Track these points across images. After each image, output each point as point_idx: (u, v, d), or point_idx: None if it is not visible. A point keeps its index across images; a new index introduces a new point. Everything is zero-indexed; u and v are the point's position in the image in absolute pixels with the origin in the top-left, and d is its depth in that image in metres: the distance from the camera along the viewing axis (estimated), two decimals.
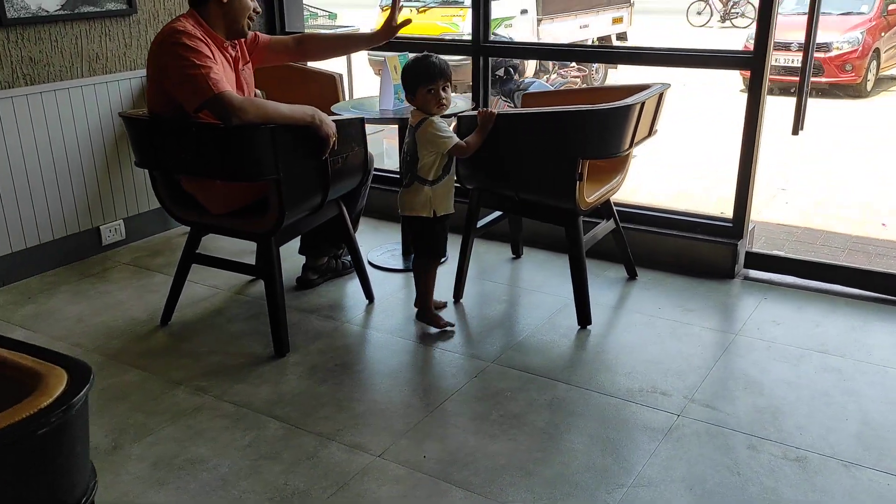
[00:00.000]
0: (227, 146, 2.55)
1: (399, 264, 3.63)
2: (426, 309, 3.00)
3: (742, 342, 2.89)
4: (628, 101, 2.77)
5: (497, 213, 3.35)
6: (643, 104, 2.82)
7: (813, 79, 10.54)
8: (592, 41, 11.37)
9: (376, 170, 4.37)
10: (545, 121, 2.82)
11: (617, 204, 3.62)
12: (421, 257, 2.97)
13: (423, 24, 9.37)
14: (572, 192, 2.84)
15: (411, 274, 3.50)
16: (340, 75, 3.95)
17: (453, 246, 3.29)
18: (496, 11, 9.42)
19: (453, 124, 2.99)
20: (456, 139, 2.79)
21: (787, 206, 6.06)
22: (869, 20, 10.72)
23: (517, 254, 3.71)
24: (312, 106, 2.67)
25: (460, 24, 9.10)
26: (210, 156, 2.61)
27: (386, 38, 3.02)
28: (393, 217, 3.84)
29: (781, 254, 3.44)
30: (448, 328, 2.98)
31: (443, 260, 3.16)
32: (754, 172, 3.37)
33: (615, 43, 11.75)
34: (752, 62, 3.19)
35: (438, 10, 9.37)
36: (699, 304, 3.20)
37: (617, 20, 11.50)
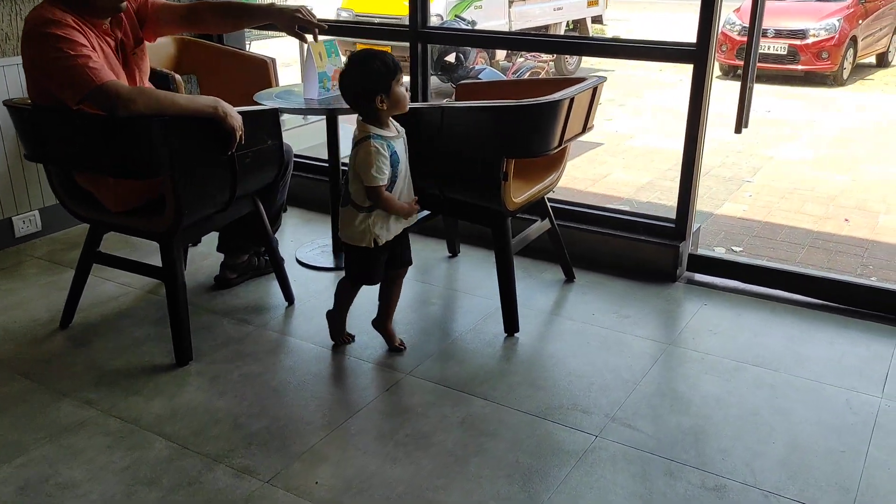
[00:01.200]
0: (114, 140, 2.35)
1: (329, 262, 3.46)
2: (339, 324, 2.76)
3: (675, 353, 2.74)
4: (555, 96, 2.59)
5: (425, 213, 3.17)
6: (572, 100, 2.65)
7: (789, 66, 10.44)
8: (568, 24, 11.17)
9: (311, 158, 4.19)
10: (465, 117, 2.64)
11: (556, 201, 3.46)
12: (351, 282, 2.67)
13: (389, 2, 9.12)
14: (497, 192, 2.67)
15: (339, 272, 3.34)
16: (273, 60, 3.74)
17: None
18: None
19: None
20: (383, 181, 2.39)
21: (752, 199, 5.92)
22: (846, 7, 10.56)
23: (453, 252, 3.54)
24: (240, 93, 2.41)
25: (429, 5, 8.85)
26: (97, 150, 2.41)
27: (291, 24, 2.80)
28: (327, 209, 3.66)
29: (725, 256, 3.29)
30: (349, 341, 2.78)
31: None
32: (698, 172, 3.21)
33: (590, 26, 11.56)
34: (694, 55, 3.01)
35: None
36: (636, 310, 3.04)
37: (592, 2, 11.29)
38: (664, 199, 5.89)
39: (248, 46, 5.89)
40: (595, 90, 2.86)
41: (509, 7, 9.80)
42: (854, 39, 10.56)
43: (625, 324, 2.94)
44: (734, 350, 2.75)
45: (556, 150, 2.70)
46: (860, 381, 2.56)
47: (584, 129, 2.93)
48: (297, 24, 2.79)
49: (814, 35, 10.26)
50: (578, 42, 3.57)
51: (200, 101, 2.42)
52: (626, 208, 5.60)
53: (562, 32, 10.85)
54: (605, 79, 2.93)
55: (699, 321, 2.98)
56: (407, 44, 3.63)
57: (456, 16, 8.18)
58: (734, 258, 3.29)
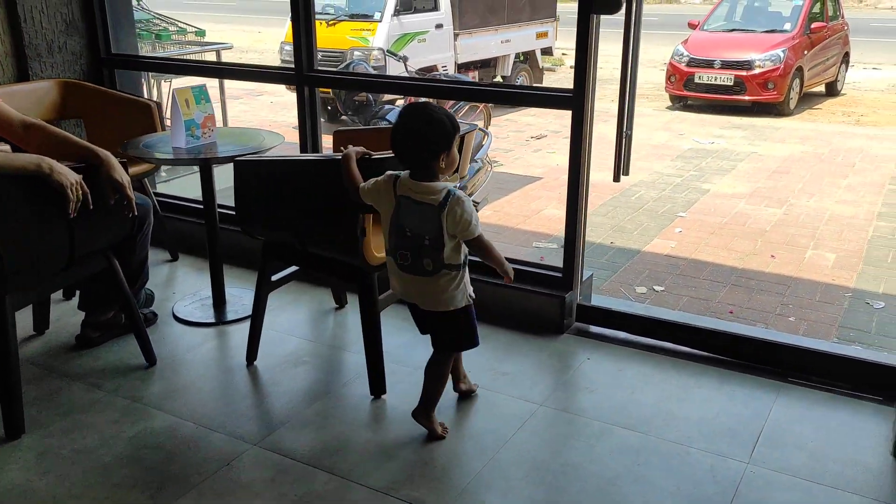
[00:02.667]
0: None
1: (208, 317, 3.30)
2: (430, 412, 2.49)
3: (545, 416, 2.61)
4: None
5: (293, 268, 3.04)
6: None
7: (735, 97, 10.49)
8: (518, 56, 11.17)
9: (194, 201, 4.03)
10: (313, 169, 2.52)
11: None
12: (449, 352, 2.46)
13: (333, 37, 9.07)
14: (356, 247, 2.55)
15: (217, 328, 3.19)
16: (158, 104, 3.62)
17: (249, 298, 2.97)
18: (408, 27, 9.20)
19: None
20: (481, 227, 2.24)
21: (681, 235, 5.85)
22: (791, 38, 10.66)
23: (340, 304, 3.40)
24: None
25: (370, 39, 8.81)
26: None
27: (105, 177, 2.51)
28: (203, 255, 3.50)
29: (612, 307, 3.17)
30: (445, 432, 2.51)
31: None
32: (583, 220, 3.10)
33: (539, 58, 11.57)
34: (571, 102, 2.92)
35: (348, 24, 9.06)
36: (516, 366, 2.92)
37: (541, 35, 11.30)
38: (592, 235, 5.80)
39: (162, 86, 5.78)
40: (463, 139, 2.74)
41: (455, 40, 9.78)
42: (800, 70, 10.65)
43: (501, 382, 2.81)
44: (607, 410, 2.62)
45: None
46: (730, 445, 2.44)
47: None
48: (108, 181, 2.53)
49: (759, 66, 10.34)
50: (460, 87, 3.46)
51: (22, 159, 2.29)
52: (554, 245, 5.53)
53: (511, 64, 10.85)
54: (475, 127, 2.82)
55: (578, 377, 2.85)
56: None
57: (388, 51, 8.13)
58: (621, 308, 3.18)
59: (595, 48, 2.87)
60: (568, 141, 2.99)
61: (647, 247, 5.61)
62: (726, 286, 4.89)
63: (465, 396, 2.69)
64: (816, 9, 11.30)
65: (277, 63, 9.71)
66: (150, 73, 4.89)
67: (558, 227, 5.81)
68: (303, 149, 3.58)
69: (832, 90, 11.95)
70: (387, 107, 4.80)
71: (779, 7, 11.52)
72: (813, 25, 10.97)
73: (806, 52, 10.76)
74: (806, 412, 2.61)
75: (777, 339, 2.94)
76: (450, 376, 2.55)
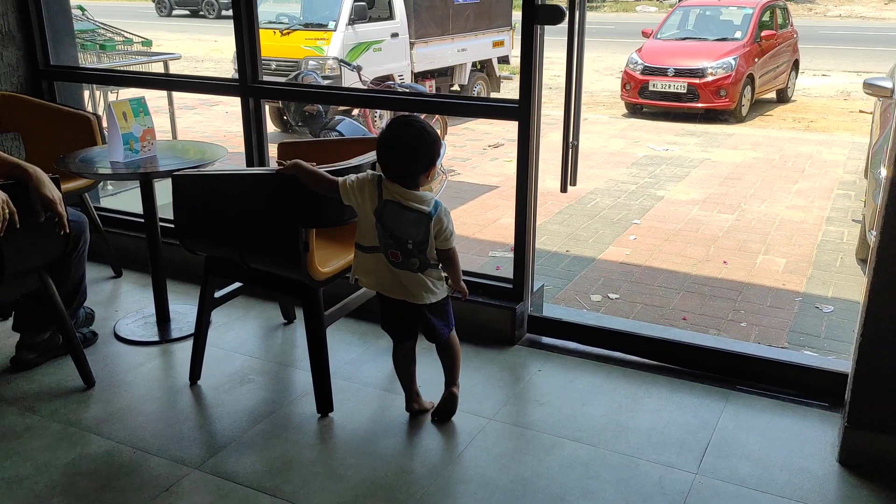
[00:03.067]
0: None
1: (151, 335, 3.21)
2: (456, 383, 2.65)
3: (494, 430, 2.58)
4: (353, 161, 2.44)
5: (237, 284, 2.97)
6: (374, 164, 2.49)
7: (688, 104, 10.63)
8: (475, 64, 11.18)
9: (139, 216, 3.92)
10: (252, 182, 2.46)
11: None
12: (448, 335, 2.55)
13: (288, 46, 8.98)
14: (298, 263, 2.49)
15: (160, 347, 3.11)
16: (97, 116, 3.52)
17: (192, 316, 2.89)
18: (363, 36, 9.15)
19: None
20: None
21: (636, 242, 5.88)
22: (742, 46, 10.83)
23: (288, 318, 3.33)
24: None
25: (325, 48, 8.74)
26: None
27: (28, 175, 2.42)
28: (172, 273, 3.41)
29: (563, 317, 3.16)
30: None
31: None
32: (532, 231, 3.09)
33: (496, 66, 11.60)
34: (518, 113, 2.90)
35: (302, 34, 8.98)
36: (467, 380, 2.86)
37: (498, 44, 11.33)
38: (549, 244, 5.80)
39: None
40: None
41: (411, 49, 9.75)
42: (751, 77, 10.83)
43: None
44: (557, 423, 2.60)
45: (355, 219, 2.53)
46: (679, 455, 2.43)
47: None
48: (37, 197, 2.43)
49: (711, 73, 10.48)
50: (407, 99, 3.42)
51: None
52: (510, 255, 5.52)
53: (467, 73, 10.86)
54: None
55: (529, 390, 2.83)
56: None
57: (342, 61, 8.07)
58: (572, 318, 3.17)
59: (540, 59, 2.86)
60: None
61: (603, 254, 5.63)
62: (680, 293, 4.92)
63: (418, 415, 2.65)
64: (766, 17, 11.51)
65: (231, 73, 9.59)
66: (94, 86, 4.78)
67: (512, 236, 5.80)
68: (248, 162, 3.51)
69: (783, 97, 12.18)
70: (337, 118, 4.74)
71: (730, 16, 11.72)
72: (763, 33, 11.17)
73: (757, 59, 10.95)
74: (753, 420, 2.62)
75: (725, 346, 2.94)
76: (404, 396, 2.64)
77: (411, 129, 2.29)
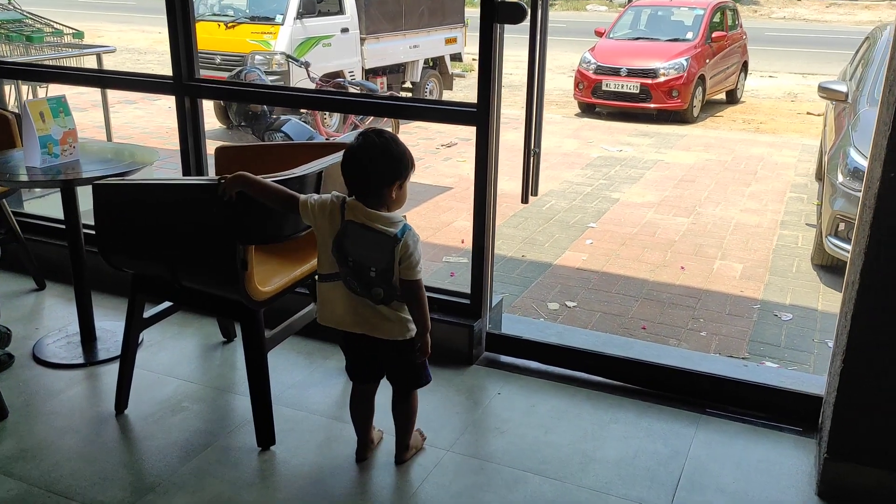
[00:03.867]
0: None
1: (75, 357, 2.93)
2: (410, 444, 2.38)
3: (451, 463, 2.38)
4: (297, 171, 2.20)
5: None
6: (321, 174, 2.27)
7: (641, 104, 10.59)
8: (428, 62, 10.96)
9: (57, 221, 3.62)
10: (182, 194, 2.21)
11: None
12: (411, 388, 2.28)
13: (233, 40, 8.64)
14: (235, 282, 2.25)
15: (85, 370, 2.83)
16: (15, 115, 3.21)
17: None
18: (312, 30, 8.85)
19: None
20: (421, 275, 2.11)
21: (592, 247, 5.74)
22: (693, 46, 10.83)
23: (228, 337, 3.08)
24: None
25: (272, 43, 8.42)
26: None
27: None
28: (101, 286, 3.12)
29: (523, 336, 2.97)
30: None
31: None
32: (491, 245, 2.89)
33: (449, 64, 11.41)
34: (476, 118, 2.70)
35: (248, 27, 8.65)
36: (423, 404, 2.61)
37: (450, 41, 11.14)
38: (504, 248, 5.63)
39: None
40: None
41: (361, 45, 9.49)
42: (702, 78, 10.83)
43: None
44: (519, 454, 2.41)
45: (300, 235, 2.31)
46: (650, 490, 2.26)
47: None
48: None
49: (664, 74, 10.45)
50: (356, 101, 3.21)
51: None
52: (464, 260, 5.32)
53: (420, 70, 10.64)
54: None
55: (488, 416, 2.64)
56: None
57: (289, 56, 7.78)
58: (533, 336, 2.98)
59: (500, 59, 2.67)
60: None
61: (559, 259, 5.48)
62: (638, 300, 4.79)
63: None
64: (717, 18, 11.54)
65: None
66: (19, 81, 4.42)
67: (469, 240, 5.61)
68: (185, 166, 3.24)
69: (732, 98, 12.25)
70: (283, 118, 4.48)
71: (681, 16, 11.72)
72: (714, 34, 11.20)
73: (708, 60, 10.97)
74: (726, 448, 2.47)
75: (692, 367, 2.79)
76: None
77: (375, 142, 2.06)
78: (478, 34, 2.61)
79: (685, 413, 2.64)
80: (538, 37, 2.57)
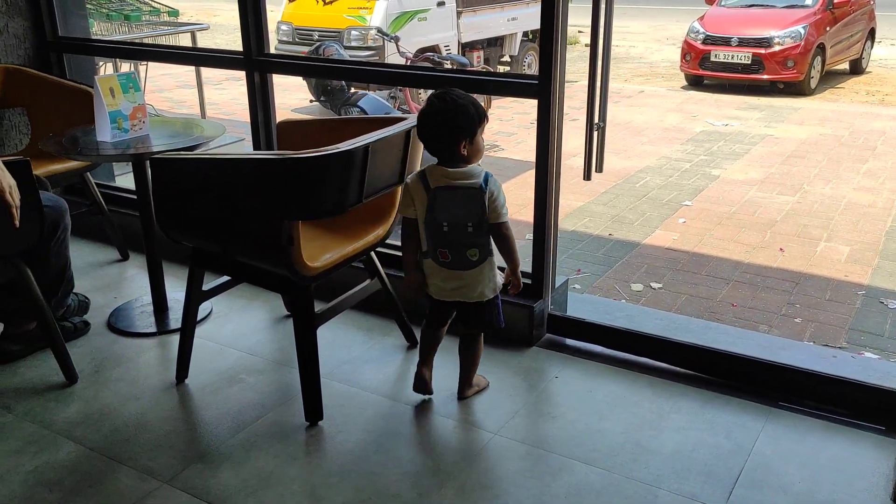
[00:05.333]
0: None
1: (147, 326, 3.03)
2: (472, 383, 2.55)
3: (498, 447, 2.31)
4: (341, 147, 2.17)
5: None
6: (367, 148, 2.22)
7: (753, 76, 10.03)
8: (528, 34, 10.75)
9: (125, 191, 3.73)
10: (230, 171, 2.22)
11: (396, 248, 3.04)
12: (482, 331, 2.49)
13: (330, 16, 8.73)
14: (284, 257, 2.25)
15: (156, 339, 2.93)
16: None
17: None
18: (408, 4, 8.82)
19: None
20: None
21: (685, 226, 5.49)
22: (813, 13, 10.14)
23: (291, 311, 3.11)
24: None
25: (367, 18, 8.45)
26: None
27: None
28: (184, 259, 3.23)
29: (586, 318, 2.85)
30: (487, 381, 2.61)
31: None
32: (553, 222, 2.78)
33: None
34: (537, 90, 2.58)
35: (345, 2, 8.71)
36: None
37: None
38: (591, 226, 5.46)
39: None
40: (410, 132, 2.43)
41: (458, 19, 9.39)
42: (822, 47, 10.14)
43: (455, 406, 2.51)
44: (568, 441, 2.32)
45: (350, 208, 2.28)
46: (705, 485, 2.12)
47: (402, 175, 2.50)
48: None
49: (778, 43, 9.84)
50: (414, 74, 3.14)
51: None
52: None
53: (518, 43, 10.45)
54: None
55: (542, 400, 2.55)
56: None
57: (378, 30, 7.77)
58: (596, 319, 2.86)
59: (563, 30, 2.54)
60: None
61: (648, 239, 5.26)
62: (729, 283, 4.54)
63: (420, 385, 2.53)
64: None
65: (275, 44, 9.39)
66: (117, 58, 4.62)
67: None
68: (255, 140, 3.28)
69: (856, 68, 11.42)
70: (360, 93, 4.48)
71: None
72: (836, 0, 10.44)
73: (828, 28, 10.24)
74: (796, 444, 2.29)
75: (768, 357, 2.60)
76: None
77: (435, 104, 2.22)
78: (583, 6, 2.48)
79: (754, 405, 2.47)
80: (602, 4, 2.42)
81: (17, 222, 2.20)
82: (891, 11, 15.29)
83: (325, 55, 6.02)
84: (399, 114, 4.55)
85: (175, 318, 3.08)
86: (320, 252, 2.41)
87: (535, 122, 2.67)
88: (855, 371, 2.59)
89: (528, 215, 5.73)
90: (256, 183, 2.19)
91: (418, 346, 2.53)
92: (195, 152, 2.59)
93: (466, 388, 2.52)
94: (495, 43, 10.25)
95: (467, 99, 2.23)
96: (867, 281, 4.55)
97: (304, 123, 2.87)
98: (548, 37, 2.51)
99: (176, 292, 3.19)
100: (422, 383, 2.49)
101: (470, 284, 2.30)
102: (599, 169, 2.64)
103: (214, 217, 2.35)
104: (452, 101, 2.21)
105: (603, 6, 2.43)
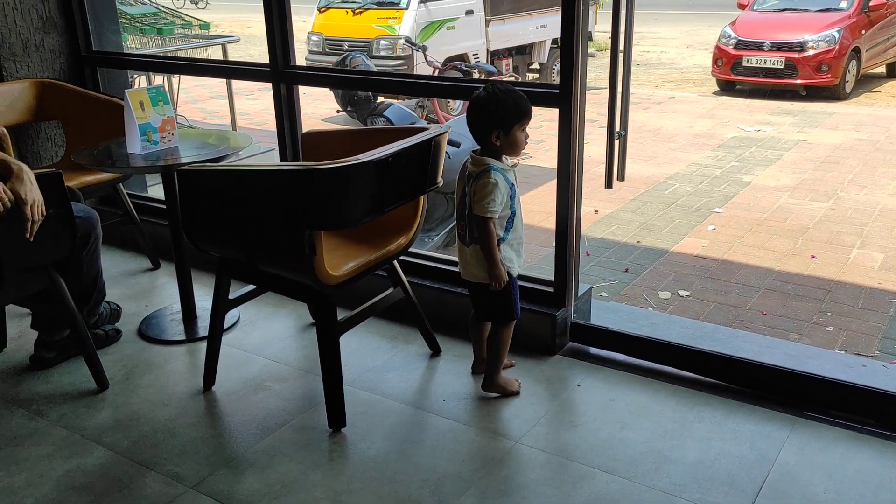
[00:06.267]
0: None
1: (176, 333, 3.09)
2: (495, 378, 2.59)
3: (519, 455, 2.32)
4: (361, 158, 2.20)
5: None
6: (389, 159, 2.25)
7: (787, 80, 9.91)
8: (556, 42, 10.75)
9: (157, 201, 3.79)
10: (251, 180, 2.26)
11: (421, 256, 3.07)
12: (495, 323, 2.55)
13: (359, 26, 8.82)
14: (306, 266, 2.29)
15: (185, 346, 2.99)
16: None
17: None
18: (436, 14, 8.88)
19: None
20: (493, 215, 2.34)
21: (715, 233, 5.44)
22: (847, 17, 10.00)
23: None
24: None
25: (396, 28, 8.53)
26: None
27: (10, 171, 2.27)
28: (167, 258, 3.29)
29: (609, 326, 2.84)
30: (518, 388, 2.63)
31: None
32: (575, 228, 2.78)
33: None
34: (559, 99, 2.60)
35: (374, 13, 8.80)
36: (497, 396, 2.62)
37: None
38: (619, 234, 5.44)
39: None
40: (432, 143, 2.45)
41: (486, 27, 9.43)
42: (857, 51, 9.99)
43: (475, 414, 2.52)
44: (590, 449, 2.32)
45: (370, 219, 2.31)
46: (727, 496, 2.11)
47: (428, 186, 2.52)
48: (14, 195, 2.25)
49: (812, 47, 9.72)
50: (434, 84, 3.17)
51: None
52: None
53: (547, 51, 10.46)
54: (446, 130, 2.52)
55: (564, 408, 2.55)
56: None
57: (406, 39, 7.83)
58: (619, 327, 2.85)
59: (584, 39, 2.54)
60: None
61: (676, 246, 5.23)
62: (759, 291, 4.49)
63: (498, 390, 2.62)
64: None
65: (305, 54, 9.51)
66: (149, 71, 4.72)
67: (582, 225, 5.44)
68: (281, 151, 3.34)
69: (893, 71, 11.22)
70: (386, 102, 4.53)
71: None
72: (872, 3, 10.27)
73: (864, 31, 10.09)
74: (821, 455, 2.26)
75: (795, 366, 2.57)
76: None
77: (488, 90, 2.33)
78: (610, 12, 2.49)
79: (780, 415, 2.44)
80: (622, 10, 2.42)
81: (30, 236, 2.23)
82: None
83: (351, 66, 6.09)
84: (424, 123, 4.57)
85: (204, 325, 3.13)
86: (343, 261, 2.44)
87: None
88: (884, 381, 2.55)
89: (553, 223, 5.75)
90: (278, 193, 2.23)
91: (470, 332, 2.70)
92: (221, 164, 2.64)
93: (488, 382, 2.58)
94: (524, 51, 10.28)
95: (511, 94, 2.32)
96: None
97: (328, 134, 2.91)
98: (568, 46, 2.52)
99: (205, 300, 3.25)
100: (476, 368, 2.71)
101: (467, 262, 2.45)
102: (621, 177, 2.64)
103: (239, 227, 2.39)
104: (494, 93, 2.31)
105: (623, 12, 2.43)
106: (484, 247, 2.36)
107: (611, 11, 2.42)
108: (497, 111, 2.30)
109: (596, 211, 5.63)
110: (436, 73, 7.35)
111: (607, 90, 2.58)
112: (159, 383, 2.75)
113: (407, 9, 8.48)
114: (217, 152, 2.88)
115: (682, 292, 4.51)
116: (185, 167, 2.37)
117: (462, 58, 8.73)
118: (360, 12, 8.81)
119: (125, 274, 3.64)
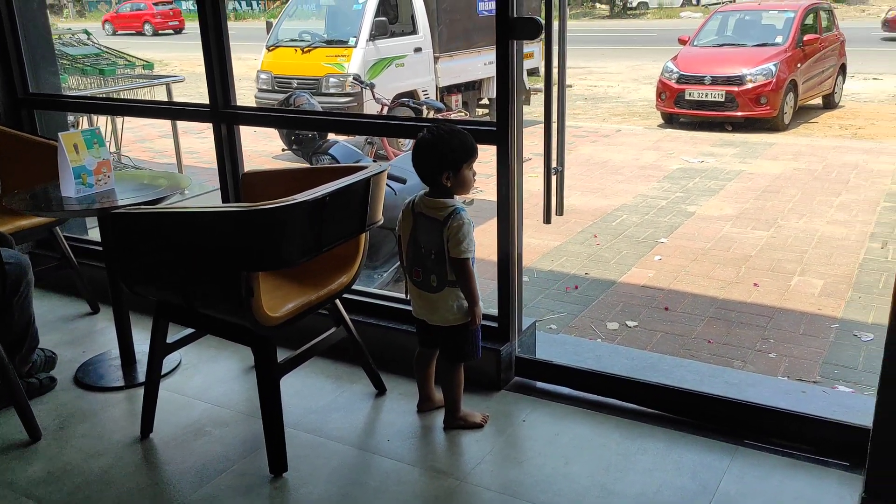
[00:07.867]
0: None
1: (114, 380, 3.01)
2: (457, 415, 2.59)
3: (463, 494, 2.30)
4: (296, 198, 2.18)
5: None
6: (326, 199, 2.24)
7: (727, 112, 10.19)
8: None
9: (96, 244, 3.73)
10: (192, 221, 2.24)
11: (364, 294, 3.06)
12: (454, 363, 2.54)
13: (308, 64, 8.86)
14: (244, 308, 2.25)
15: (123, 393, 2.91)
16: None
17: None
18: (385, 51, 8.97)
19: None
20: (473, 255, 2.36)
21: (660, 263, 5.53)
22: (783, 51, 10.37)
23: None
24: None
25: (345, 65, 8.58)
26: None
27: None
28: (107, 302, 3.22)
29: (554, 360, 2.85)
30: (485, 421, 2.63)
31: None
32: (516, 265, 2.80)
33: (526, 79, 11.31)
34: (496, 137, 2.63)
35: (323, 51, 8.85)
36: (444, 433, 2.60)
37: (527, 55, 11.04)
38: (567, 266, 5.50)
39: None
40: (369, 182, 2.46)
41: (435, 64, 9.54)
42: (794, 83, 10.35)
43: (421, 453, 2.50)
44: (535, 485, 2.31)
45: (305, 260, 2.29)
46: None
47: (365, 225, 2.52)
48: None
49: (751, 80, 10.04)
50: (379, 123, 3.18)
51: None
52: (525, 278, 5.21)
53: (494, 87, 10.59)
54: (384, 169, 2.53)
55: (509, 444, 2.54)
56: None
57: (355, 77, 7.89)
58: (562, 362, 2.86)
59: (518, 77, 2.59)
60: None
61: (624, 277, 5.30)
62: (704, 319, 4.57)
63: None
64: (809, 20, 11.02)
65: (254, 92, 9.50)
66: (88, 113, 4.66)
67: (531, 258, 5.50)
68: (223, 192, 3.31)
69: (829, 102, 11.65)
70: (331, 140, 4.55)
71: (771, 20, 11.25)
72: (805, 37, 10.68)
73: (799, 64, 10.47)
74: (760, 483, 2.28)
75: (735, 395, 2.60)
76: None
77: (432, 132, 2.34)
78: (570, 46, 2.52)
79: (720, 444, 2.47)
80: (555, 48, 2.48)
81: None
82: (862, 47, 15.65)
83: (295, 105, 6.10)
84: (370, 161, 4.59)
85: (143, 371, 3.05)
86: (282, 302, 2.41)
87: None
88: (822, 407, 2.59)
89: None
90: (212, 235, 2.20)
91: (414, 370, 2.67)
92: (156, 206, 2.60)
93: (450, 417, 2.59)
94: (473, 86, 10.42)
95: (456, 134, 2.33)
96: (840, 314, 4.58)
97: (267, 174, 2.90)
98: (504, 84, 2.56)
99: (146, 345, 3.16)
100: (422, 406, 2.69)
101: (432, 307, 2.42)
102: (560, 212, 2.67)
103: (175, 270, 2.36)
104: (440, 134, 2.33)
105: (556, 50, 2.48)
106: (465, 288, 2.37)
107: (547, 47, 2.46)
108: (444, 153, 2.32)
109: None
110: (384, 111, 7.40)
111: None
112: (95, 432, 2.67)
113: (356, 47, 8.56)
114: (155, 194, 2.84)
115: (629, 322, 4.56)
116: (120, 209, 2.33)
117: (411, 94, 8.82)
118: (309, 50, 8.85)
119: (63, 319, 3.55)
